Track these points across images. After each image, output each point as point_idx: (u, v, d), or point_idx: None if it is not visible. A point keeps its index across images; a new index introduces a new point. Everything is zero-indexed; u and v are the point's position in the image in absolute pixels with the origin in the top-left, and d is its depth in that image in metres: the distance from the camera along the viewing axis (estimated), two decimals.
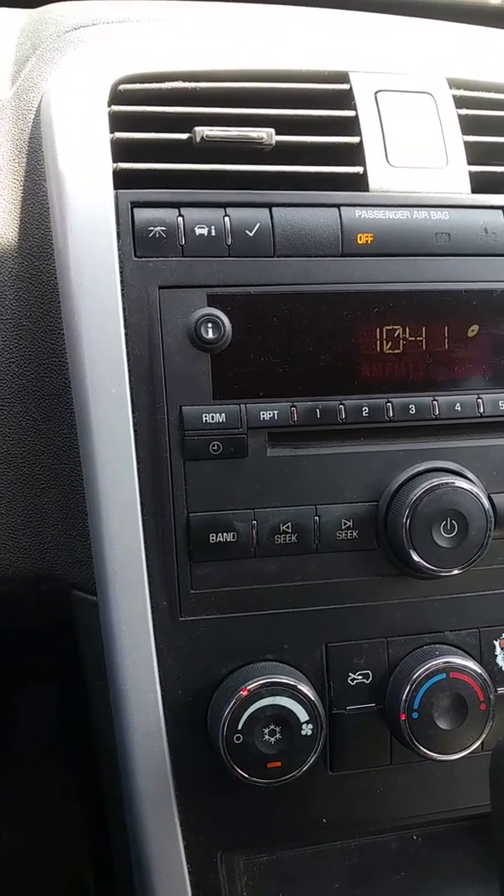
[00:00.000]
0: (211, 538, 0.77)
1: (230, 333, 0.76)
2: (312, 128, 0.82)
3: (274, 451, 0.78)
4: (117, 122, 0.78)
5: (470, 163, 0.84)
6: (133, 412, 0.76)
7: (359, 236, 0.79)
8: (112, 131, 0.77)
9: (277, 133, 0.80)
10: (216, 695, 0.79)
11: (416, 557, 0.77)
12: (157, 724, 0.79)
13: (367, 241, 0.80)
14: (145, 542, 0.77)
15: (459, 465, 0.81)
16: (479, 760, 0.81)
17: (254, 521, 0.78)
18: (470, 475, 0.80)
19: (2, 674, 1.22)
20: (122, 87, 0.79)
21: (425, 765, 0.83)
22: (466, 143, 0.84)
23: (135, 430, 0.76)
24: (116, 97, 0.79)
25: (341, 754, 0.83)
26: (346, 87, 0.83)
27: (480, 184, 0.84)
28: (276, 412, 0.78)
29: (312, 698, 0.77)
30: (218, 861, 0.84)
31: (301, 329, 0.78)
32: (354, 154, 0.82)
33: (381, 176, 0.82)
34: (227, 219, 0.77)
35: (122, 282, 0.75)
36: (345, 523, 0.79)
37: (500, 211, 0.83)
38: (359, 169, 0.82)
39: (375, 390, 0.80)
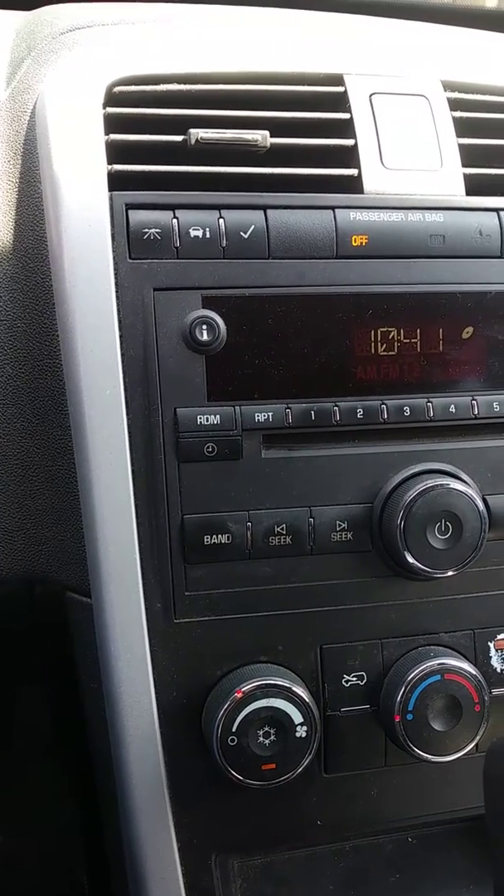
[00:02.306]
0: (205, 540, 0.77)
1: (225, 335, 0.76)
2: (307, 130, 0.82)
3: (268, 453, 0.78)
4: (112, 124, 0.78)
5: (464, 165, 0.84)
6: (127, 414, 0.76)
7: (353, 238, 0.79)
8: (107, 133, 0.77)
9: (272, 135, 0.80)
10: (210, 697, 0.79)
11: (410, 559, 0.77)
12: (152, 726, 0.79)
13: (361, 242, 0.80)
14: (140, 544, 0.77)
15: (454, 467, 0.81)
16: (473, 762, 0.81)
17: (248, 523, 0.77)
18: (464, 477, 0.81)
19: None
20: (117, 89, 0.79)
21: (420, 766, 0.83)
22: (461, 146, 0.84)
23: (129, 432, 0.76)
24: (111, 99, 0.79)
25: (336, 756, 0.83)
26: (340, 89, 0.84)
27: (475, 186, 0.84)
28: (270, 414, 0.78)
29: (307, 700, 0.77)
30: (212, 863, 0.83)
31: (296, 331, 0.78)
32: (349, 156, 0.82)
33: (375, 178, 0.82)
34: (221, 221, 0.77)
35: (116, 284, 0.75)
36: (339, 525, 0.79)
37: (495, 213, 0.83)
38: (353, 171, 0.82)
39: (370, 392, 0.80)
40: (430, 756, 0.80)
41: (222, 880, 0.85)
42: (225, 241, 0.76)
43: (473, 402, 0.82)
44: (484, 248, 0.82)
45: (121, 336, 0.75)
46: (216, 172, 0.79)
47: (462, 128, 0.85)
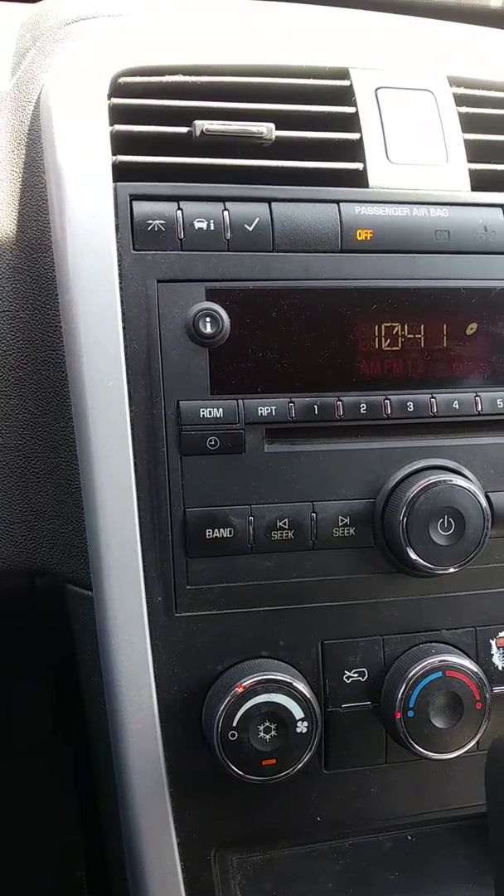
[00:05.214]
0: (207, 534, 0.77)
1: (228, 328, 0.76)
2: (313, 123, 0.82)
3: (271, 447, 0.78)
4: (117, 114, 0.78)
5: (470, 160, 0.84)
6: (130, 406, 0.75)
7: (358, 232, 0.79)
8: (112, 124, 0.77)
9: (277, 128, 0.79)
10: (211, 691, 0.78)
11: (412, 555, 0.77)
12: (152, 721, 0.78)
13: (366, 237, 0.79)
14: (141, 537, 0.76)
15: (457, 463, 0.81)
16: (474, 760, 0.80)
17: (250, 517, 0.77)
18: (467, 473, 0.80)
19: None
20: (122, 79, 0.79)
21: (420, 764, 0.83)
22: (466, 141, 0.84)
23: (132, 425, 0.75)
24: (116, 90, 0.79)
25: (336, 752, 0.82)
26: (346, 83, 0.83)
27: (480, 182, 0.84)
28: (273, 408, 0.77)
29: (308, 696, 0.77)
30: (211, 859, 0.83)
31: (300, 325, 0.78)
32: (354, 150, 0.82)
33: (380, 172, 0.82)
34: (226, 213, 0.76)
35: (120, 275, 0.75)
36: (342, 520, 0.79)
37: (500, 209, 0.83)
38: (359, 165, 0.81)
39: (373, 387, 0.80)
40: (430, 753, 0.80)
41: (221, 876, 0.85)
42: (229, 234, 0.76)
43: (477, 398, 0.82)
44: (489, 244, 0.82)
45: (124, 328, 0.75)
46: (221, 164, 0.79)
47: (467, 123, 0.85)
